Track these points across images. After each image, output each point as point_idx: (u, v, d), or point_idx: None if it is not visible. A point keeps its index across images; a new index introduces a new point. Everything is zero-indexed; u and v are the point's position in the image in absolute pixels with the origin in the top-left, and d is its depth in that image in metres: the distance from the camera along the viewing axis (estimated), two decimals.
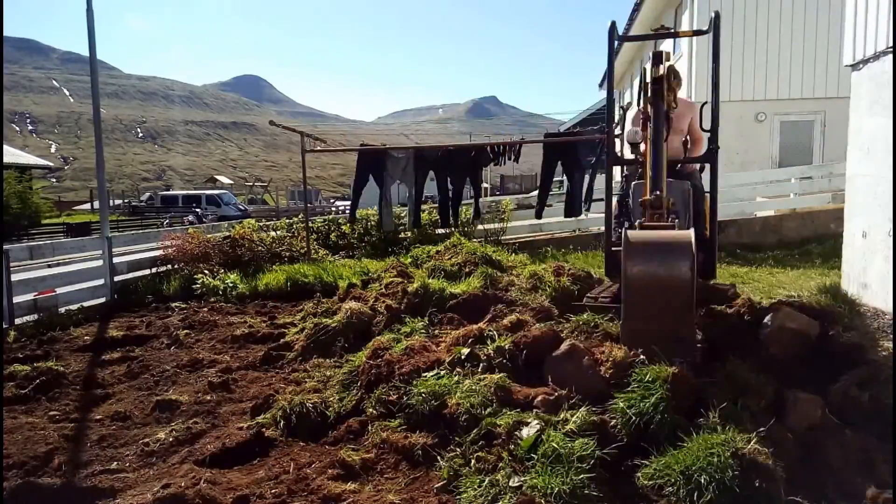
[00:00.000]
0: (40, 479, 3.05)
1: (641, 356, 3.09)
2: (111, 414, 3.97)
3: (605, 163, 5.72)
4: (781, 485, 2.42)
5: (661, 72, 3.38)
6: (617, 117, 5.91)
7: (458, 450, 2.91)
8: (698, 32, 5.29)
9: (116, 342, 5.94)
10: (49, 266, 9.37)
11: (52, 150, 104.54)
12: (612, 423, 2.85)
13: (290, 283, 8.29)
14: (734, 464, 2.41)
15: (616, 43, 5.55)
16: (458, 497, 2.64)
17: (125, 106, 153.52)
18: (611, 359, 3.19)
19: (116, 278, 8.37)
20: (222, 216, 27.79)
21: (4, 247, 6.77)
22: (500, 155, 10.10)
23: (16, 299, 6.79)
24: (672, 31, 5.48)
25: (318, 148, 11.62)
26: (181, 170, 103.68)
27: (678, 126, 5.47)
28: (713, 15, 5.07)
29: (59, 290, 7.51)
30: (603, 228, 5.42)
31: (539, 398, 3.09)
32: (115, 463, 3.27)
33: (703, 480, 2.38)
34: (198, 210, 31.07)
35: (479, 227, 11.78)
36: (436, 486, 2.72)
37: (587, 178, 9.73)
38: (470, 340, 3.97)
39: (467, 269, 6.80)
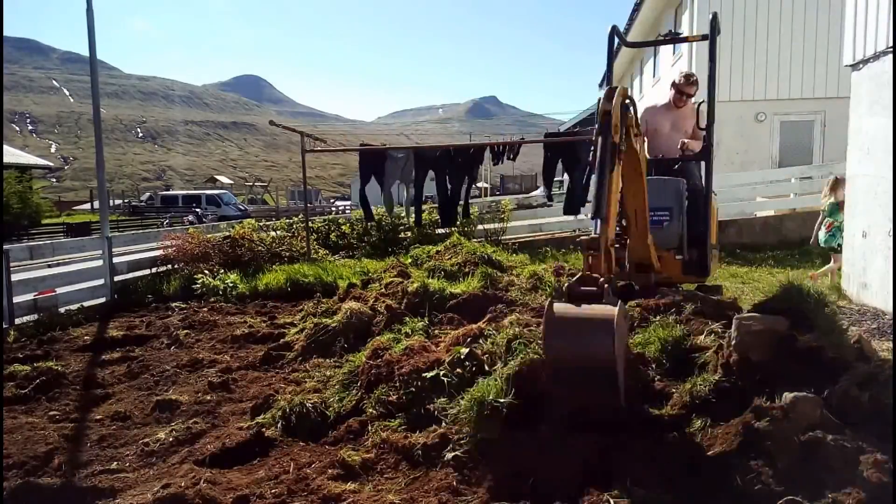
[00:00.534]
0: (40, 479, 3.04)
1: None
2: (111, 414, 3.97)
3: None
4: None
5: (609, 107, 3.32)
6: None
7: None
8: (707, 37, 5.32)
9: (116, 342, 5.94)
10: (49, 266, 9.36)
11: (52, 150, 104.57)
12: None
13: (290, 283, 8.29)
14: None
15: (616, 45, 5.57)
16: (458, 498, 2.64)
17: (125, 106, 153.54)
18: None
19: (116, 278, 8.37)
20: (222, 216, 27.80)
21: (4, 247, 6.77)
22: (500, 155, 10.10)
23: (16, 299, 6.79)
24: (681, 35, 5.52)
25: (318, 148, 11.62)
26: (181, 170, 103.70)
27: (682, 126, 5.47)
28: (711, 16, 5.08)
29: (59, 290, 7.51)
30: None
31: None
32: (115, 463, 3.27)
33: None
34: (198, 210, 31.09)
35: (479, 227, 11.78)
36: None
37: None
38: (468, 340, 3.97)
39: (467, 269, 6.80)
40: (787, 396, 3.02)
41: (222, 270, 8.96)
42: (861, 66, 6.86)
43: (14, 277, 6.96)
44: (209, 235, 10.04)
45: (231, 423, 3.66)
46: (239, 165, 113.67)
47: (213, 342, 5.81)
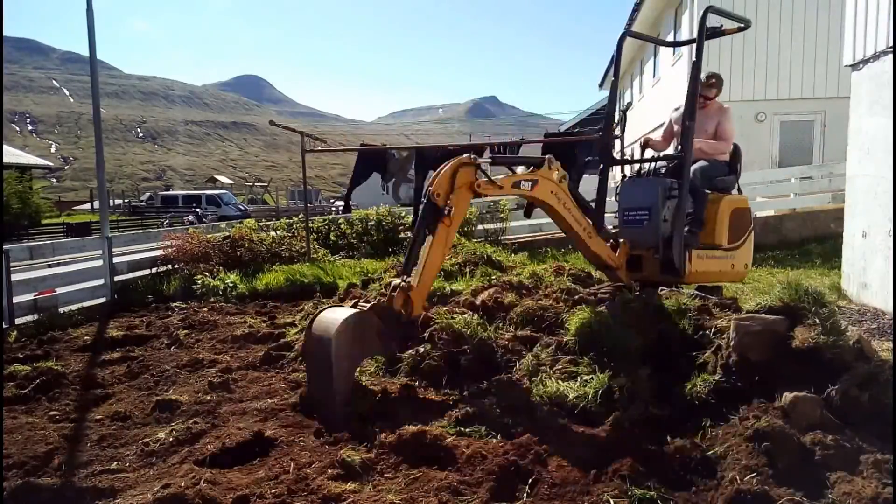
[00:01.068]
0: (40, 479, 3.04)
1: None
2: (111, 414, 3.97)
3: (597, 164, 5.76)
4: None
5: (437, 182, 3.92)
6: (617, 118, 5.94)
7: None
8: (741, 29, 5.37)
9: (116, 342, 5.94)
10: (49, 266, 9.36)
11: (52, 150, 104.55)
12: None
13: (290, 283, 8.29)
14: None
15: (623, 45, 5.59)
16: (458, 497, 2.64)
17: (125, 106, 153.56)
18: None
19: (116, 278, 8.37)
20: (222, 216, 27.78)
21: (4, 247, 6.76)
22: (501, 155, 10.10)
23: (16, 299, 6.79)
24: (720, 28, 5.50)
25: (318, 148, 11.62)
26: (181, 170, 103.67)
27: (704, 127, 5.48)
28: (702, 12, 5.09)
29: (60, 290, 7.51)
30: None
31: None
32: (115, 463, 3.27)
33: None
34: (198, 210, 31.06)
35: (479, 227, 11.77)
36: None
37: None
38: None
39: (467, 269, 6.80)
40: (787, 396, 3.02)
41: (222, 270, 8.96)
42: (861, 66, 6.86)
43: (14, 277, 6.96)
44: (209, 235, 10.04)
45: (231, 423, 3.66)
46: (239, 165, 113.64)
47: (214, 342, 5.81)
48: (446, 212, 3.83)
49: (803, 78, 13.76)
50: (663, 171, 5.39)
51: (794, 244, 10.73)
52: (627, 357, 3.81)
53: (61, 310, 7.25)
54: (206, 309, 7.33)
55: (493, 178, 4.10)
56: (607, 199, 5.63)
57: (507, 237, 11.85)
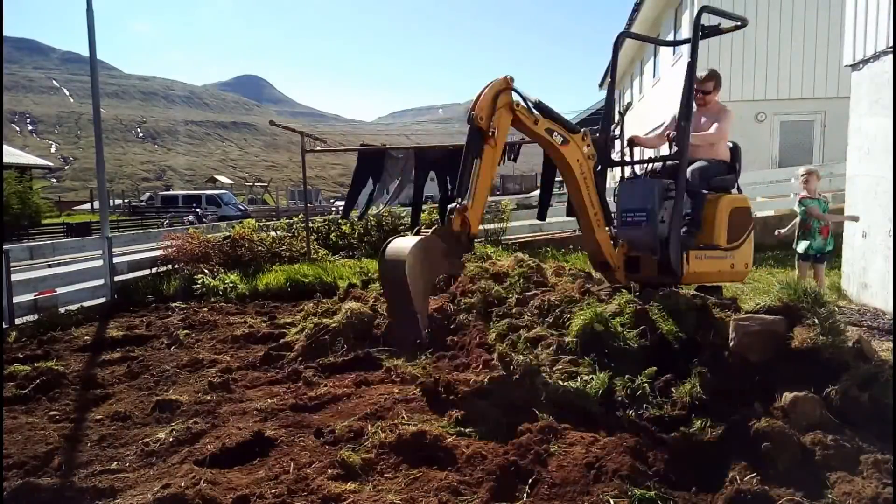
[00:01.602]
0: (40, 479, 3.04)
1: None
2: (111, 414, 3.97)
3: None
4: None
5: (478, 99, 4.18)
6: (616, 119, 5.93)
7: None
8: (738, 28, 5.38)
9: (116, 342, 5.94)
10: (49, 266, 9.37)
11: (52, 150, 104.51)
12: None
13: (290, 283, 8.29)
14: None
15: (619, 48, 5.60)
16: (458, 498, 2.64)
17: (125, 106, 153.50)
18: None
19: (116, 278, 8.37)
20: (222, 216, 27.78)
21: (4, 247, 6.77)
22: (500, 155, 10.08)
23: (16, 299, 6.79)
24: (718, 27, 5.52)
25: (318, 148, 11.62)
26: (181, 170, 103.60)
27: (703, 125, 5.47)
28: (697, 10, 5.08)
29: (60, 290, 7.52)
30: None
31: None
32: (115, 463, 3.27)
33: None
34: (198, 210, 31.05)
35: (479, 227, 11.77)
36: None
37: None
38: None
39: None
40: (787, 396, 3.02)
41: (222, 270, 8.96)
42: (861, 66, 6.86)
43: (14, 277, 6.96)
44: (209, 235, 10.04)
45: (231, 423, 3.66)
46: (239, 165, 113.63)
47: (214, 342, 5.81)
48: (491, 133, 4.07)
49: (803, 78, 13.75)
50: (659, 172, 5.38)
51: (792, 244, 10.70)
52: (628, 357, 3.81)
53: (61, 310, 7.25)
54: (206, 309, 7.33)
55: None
56: (606, 199, 5.62)
57: (507, 237, 11.85)
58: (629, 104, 22.54)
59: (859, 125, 6.94)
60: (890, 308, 6.03)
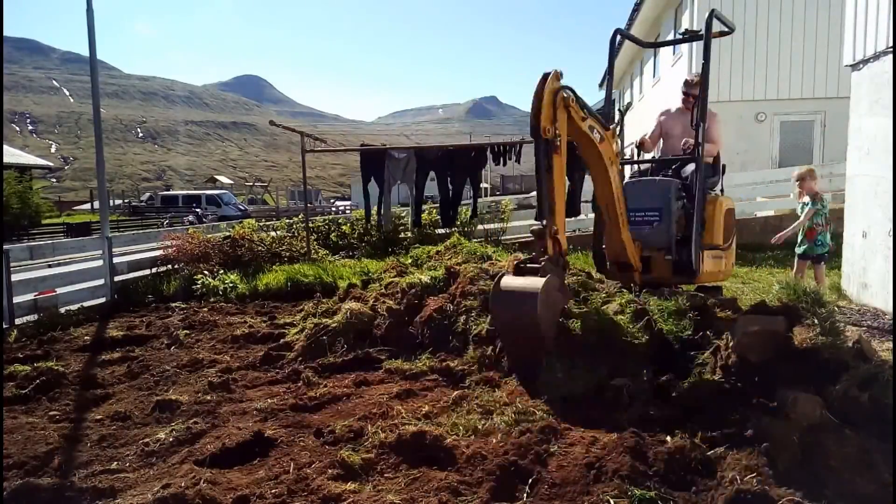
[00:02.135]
0: (40, 479, 3.04)
1: None
2: (111, 414, 3.97)
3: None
4: None
5: (539, 107, 3.87)
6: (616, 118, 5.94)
7: None
8: (724, 34, 5.39)
9: (116, 342, 5.94)
10: (49, 266, 9.37)
11: (52, 150, 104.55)
12: None
13: (290, 283, 8.29)
14: None
15: (617, 46, 5.59)
16: (458, 498, 2.64)
17: (125, 106, 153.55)
18: None
19: (116, 278, 8.37)
20: (222, 216, 27.79)
21: (4, 247, 6.76)
22: (501, 155, 10.09)
23: (16, 299, 6.79)
24: (699, 32, 5.56)
25: (318, 148, 11.62)
26: (181, 170, 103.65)
27: (691, 130, 5.49)
28: (707, 13, 5.09)
29: (60, 290, 7.52)
30: None
31: None
32: (115, 463, 3.27)
33: None
34: (198, 210, 31.07)
35: (479, 227, 11.77)
36: None
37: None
38: None
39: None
40: (788, 396, 3.02)
41: (222, 270, 8.96)
42: (861, 66, 6.86)
43: (14, 277, 6.96)
44: (209, 235, 10.04)
45: (231, 423, 3.66)
46: (239, 165, 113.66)
47: (213, 342, 5.81)
48: (558, 142, 3.88)
49: (803, 78, 13.75)
50: (661, 172, 5.40)
51: (794, 244, 10.70)
52: (628, 357, 3.81)
53: (61, 310, 7.25)
54: (206, 309, 7.33)
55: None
56: None
57: (507, 237, 11.85)
58: (629, 104, 22.54)
59: (859, 125, 6.94)
60: (890, 308, 6.03)
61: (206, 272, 8.78)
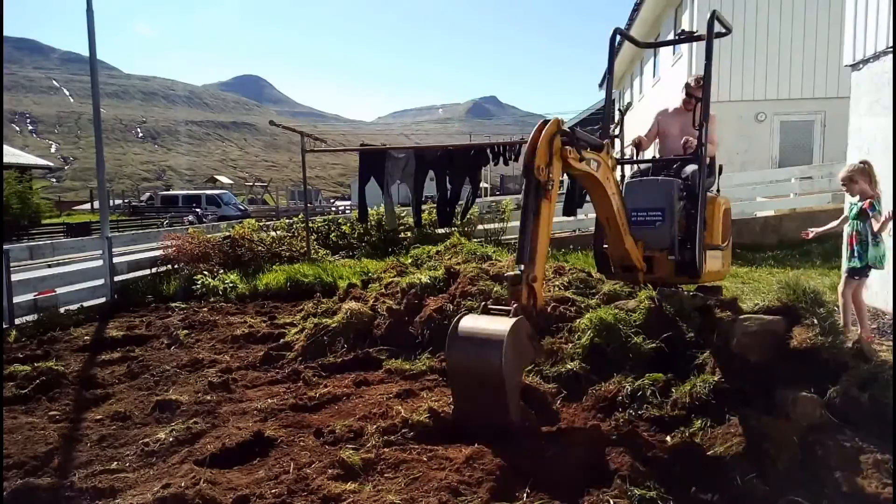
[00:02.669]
0: (40, 479, 3.04)
1: None
2: (111, 414, 3.97)
3: None
4: None
5: (534, 149, 3.55)
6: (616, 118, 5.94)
7: None
8: (720, 35, 5.38)
9: (116, 342, 5.94)
10: (49, 266, 9.36)
11: (52, 150, 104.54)
12: None
13: (290, 283, 8.29)
14: None
15: (616, 46, 5.58)
16: (458, 498, 2.64)
17: (125, 106, 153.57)
18: None
19: (116, 278, 8.37)
20: (222, 216, 27.76)
21: (4, 247, 6.76)
22: (500, 155, 10.09)
23: (16, 299, 6.79)
24: (695, 34, 5.58)
25: (318, 148, 11.62)
26: (181, 170, 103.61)
27: (689, 131, 5.48)
28: (709, 14, 5.09)
29: (59, 290, 7.51)
30: None
31: None
32: (115, 463, 3.27)
33: None
34: (198, 210, 31.04)
35: (479, 227, 11.77)
36: None
37: None
38: None
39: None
40: (788, 396, 3.02)
41: (222, 270, 8.96)
42: (861, 66, 6.86)
43: (14, 277, 6.96)
44: (209, 235, 10.04)
45: (231, 423, 3.66)
46: (239, 165, 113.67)
47: (213, 342, 5.81)
48: (549, 187, 3.61)
49: (803, 78, 13.75)
50: (661, 172, 5.39)
51: (794, 244, 10.71)
52: (628, 357, 3.81)
53: (61, 310, 7.25)
54: (206, 309, 7.33)
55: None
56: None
57: (508, 237, 11.85)
58: (629, 104, 22.53)
59: (859, 125, 6.94)
60: (890, 308, 6.03)
61: (205, 272, 8.77)
